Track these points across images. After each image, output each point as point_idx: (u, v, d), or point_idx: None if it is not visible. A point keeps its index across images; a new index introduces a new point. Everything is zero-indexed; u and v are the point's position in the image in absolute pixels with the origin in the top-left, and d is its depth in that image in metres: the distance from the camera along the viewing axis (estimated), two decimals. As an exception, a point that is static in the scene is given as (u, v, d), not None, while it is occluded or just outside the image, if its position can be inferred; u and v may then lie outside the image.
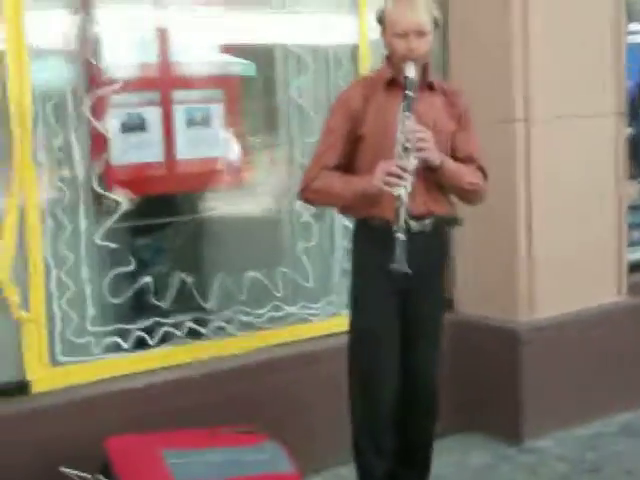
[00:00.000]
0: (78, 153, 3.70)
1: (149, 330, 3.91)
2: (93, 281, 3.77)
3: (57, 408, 3.58)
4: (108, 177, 3.83)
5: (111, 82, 3.82)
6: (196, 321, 4.02)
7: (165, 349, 3.93)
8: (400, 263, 3.13)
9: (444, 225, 3.50)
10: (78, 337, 3.73)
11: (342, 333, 3.57)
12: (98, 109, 3.77)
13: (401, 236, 3.16)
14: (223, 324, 4.09)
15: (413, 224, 3.29)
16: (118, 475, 3.25)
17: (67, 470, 3.25)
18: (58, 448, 3.43)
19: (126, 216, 3.84)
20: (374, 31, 3.58)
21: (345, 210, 3.54)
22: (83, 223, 3.72)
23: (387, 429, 3.50)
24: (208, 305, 4.07)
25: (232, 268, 4.13)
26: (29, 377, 3.60)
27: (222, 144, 4.22)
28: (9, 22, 3.48)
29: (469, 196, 3.53)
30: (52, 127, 3.64)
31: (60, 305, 3.68)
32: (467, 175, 3.46)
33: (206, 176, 4.18)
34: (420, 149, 3.25)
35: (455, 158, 3.46)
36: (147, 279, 3.90)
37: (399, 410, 3.53)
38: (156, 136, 4.02)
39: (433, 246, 3.42)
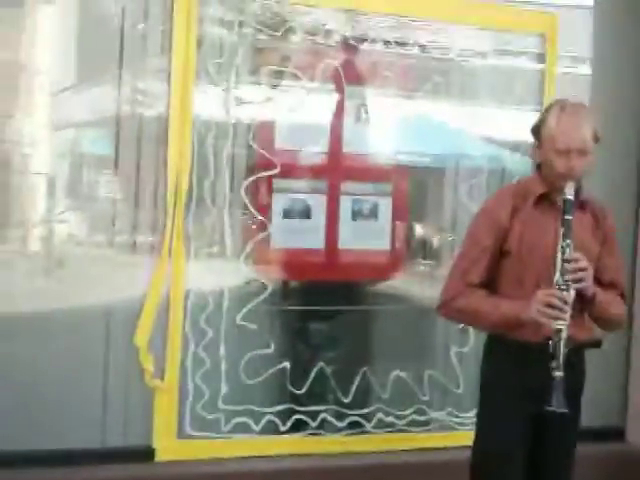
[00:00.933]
0: (229, 233, 3.80)
1: (281, 415, 3.90)
2: (229, 360, 3.82)
3: (177, 478, 3.66)
4: (261, 259, 3.92)
5: (273, 166, 3.91)
6: (332, 413, 3.98)
7: (295, 437, 3.91)
8: (558, 404, 2.95)
9: (584, 351, 3.28)
10: (208, 413, 3.79)
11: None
12: (257, 191, 3.88)
13: (559, 374, 2.98)
14: (361, 420, 4.02)
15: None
16: None
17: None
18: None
19: (271, 299, 3.89)
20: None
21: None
22: (226, 301, 3.80)
23: None
24: (347, 399, 4.00)
25: (377, 364, 4.06)
26: (156, 445, 3.69)
27: (386, 237, 4.18)
28: (175, 94, 3.67)
29: (611, 326, 3.35)
30: (206, 205, 3.77)
31: (194, 379, 3.77)
32: (613, 305, 3.27)
33: (367, 267, 4.16)
34: (579, 280, 3.07)
35: (598, 281, 3.23)
36: (285, 364, 3.91)
37: None
38: (320, 224, 4.07)
39: (572, 373, 3.16)
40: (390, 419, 4.05)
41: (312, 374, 3.95)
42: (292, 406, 3.92)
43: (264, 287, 3.87)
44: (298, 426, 3.93)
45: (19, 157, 3.71)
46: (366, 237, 4.14)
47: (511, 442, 3.18)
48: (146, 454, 3.67)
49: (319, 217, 4.06)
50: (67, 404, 3.59)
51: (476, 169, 4.27)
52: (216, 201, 3.79)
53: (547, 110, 3.24)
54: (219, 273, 3.83)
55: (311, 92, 4.01)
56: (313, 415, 3.94)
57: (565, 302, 3.01)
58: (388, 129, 4.19)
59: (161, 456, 3.69)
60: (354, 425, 4.02)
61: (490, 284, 3.23)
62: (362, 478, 3.85)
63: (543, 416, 3.17)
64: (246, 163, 3.87)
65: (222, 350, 3.80)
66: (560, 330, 2.99)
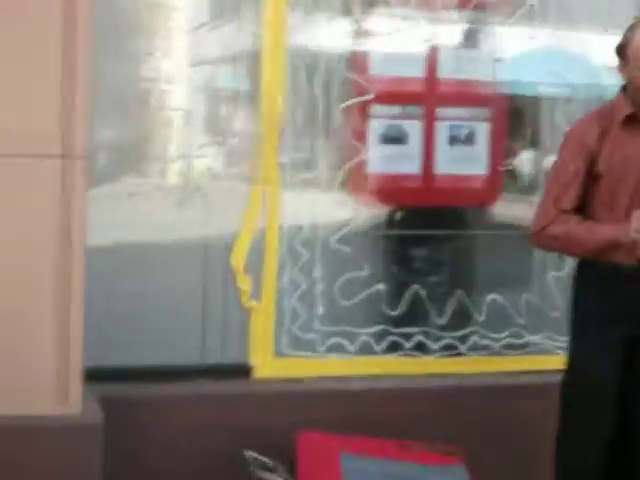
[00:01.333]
0: (324, 158, 3.88)
1: (377, 336, 3.99)
2: (325, 281, 3.92)
3: (273, 396, 3.78)
4: (357, 184, 3.98)
5: (368, 92, 3.94)
6: (427, 335, 4.04)
7: (389, 358, 4.00)
8: None
9: None
10: (305, 333, 3.92)
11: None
12: (352, 118, 3.93)
13: None
14: (456, 342, 4.07)
15: None
16: (297, 468, 3.40)
17: (250, 454, 3.43)
18: (264, 432, 3.59)
19: (365, 224, 3.97)
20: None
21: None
22: (320, 224, 3.90)
23: None
24: (441, 321, 4.06)
25: (473, 288, 4.09)
26: (252, 363, 3.85)
27: (484, 163, 4.16)
28: (269, 24, 3.74)
29: None
30: (299, 130, 3.85)
31: (290, 301, 3.89)
32: None
33: (463, 193, 4.17)
34: None
35: None
36: (380, 286, 3.98)
37: None
38: (416, 150, 4.08)
39: None
40: (486, 342, 4.09)
41: (407, 296, 4.02)
42: (387, 327, 4.00)
43: (358, 212, 3.95)
44: (393, 347, 4.01)
45: (158, 94, 3.87)
46: (462, 163, 4.14)
47: (602, 369, 3.20)
48: (244, 371, 3.83)
49: (416, 143, 4.09)
50: (169, 322, 3.78)
51: (574, 95, 4.21)
52: (313, 127, 3.88)
53: (630, 29, 3.20)
54: (314, 198, 3.91)
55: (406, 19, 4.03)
56: (408, 337, 4.02)
57: None
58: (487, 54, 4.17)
59: (258, 373, 3.85)
60: (449, 348, 4.08)
61: (583, 209, 3.23)
62: (457, 398, 3.91)
63: (636, 341, 3.19)
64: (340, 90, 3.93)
65: (317, 272, 3.91)
66: None
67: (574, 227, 3.20)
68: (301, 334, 3.91)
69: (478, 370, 4.02)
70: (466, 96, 4.14)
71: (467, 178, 4.15)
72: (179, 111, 3.87)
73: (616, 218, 3.17)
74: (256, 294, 3.81)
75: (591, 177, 3.22)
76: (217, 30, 3.95)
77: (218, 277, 3.80)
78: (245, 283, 3.78)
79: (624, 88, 3.27)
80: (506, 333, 4.10)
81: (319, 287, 3.92)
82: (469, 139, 4.13)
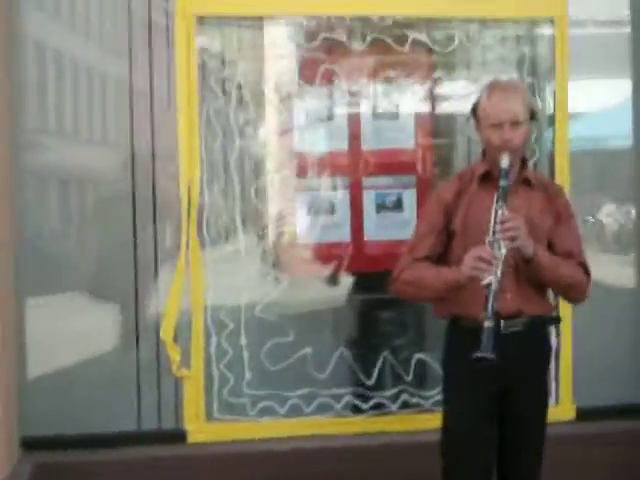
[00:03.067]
0: (241, 231, 4.13)
1: (306, 399, 4.18)
2: (251, 348, 4.15)
3: (208, 459, 4.02)
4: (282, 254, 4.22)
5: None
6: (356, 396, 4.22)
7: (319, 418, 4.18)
8: (485, 350, 3.06)
9: (540, 325, 3.36)
10: (235, 397, 4.14)
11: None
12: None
13: (489, 324, 3.09)
14: (384, 401, 4.22)
15: (502, 324, 3.23)
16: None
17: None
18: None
19: (289, 291, 4.19)
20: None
21: (438, 310, 3.48)
22: (243, 295, 4.14)
23: None
24: (370, 382, 4.22)
25: (398, 348, 4.24)
26: (187, 427, 4.09)
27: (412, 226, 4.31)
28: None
29: (568, 292, 3.42)
30: (218, 207, 4.12)
31: (219, 367, 4.13)
32: (565, 267, 3.32)
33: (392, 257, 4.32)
34: (511, 238, 3.17)
35: (557, 252, 3.33)
36: (307, 350, 4.17)
37: None
38: (343, 218, 4.29)
39: (529, 348, 3.28)
40: (416, 400, 4.23)
41: (333, 359, 4.20)
42: (316, 389, 4.18)
43: (279, 281, 4.19)
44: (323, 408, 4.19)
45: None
46: (390, 229, 4.32)
47: (469, 423, 3.32)
48: (179, 436, 4.07)
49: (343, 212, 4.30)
50: (106, 392, 4.06)
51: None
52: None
53: (482, 90, 3.40)
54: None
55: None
56: (337, 398, 4.20)
57: (495, 257, 3.13)
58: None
59: (192, 438, 4.08)
60: (379, 407, 4.23)
61: (440, 264, 3.38)
62: (386, 456, 4.05)
63: (507, 397, 3.31)
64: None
65: (243, 340, 4.14)
66: (489, 284, 3.10)
67: (422, 271, 3.36)
68: (231, 399, 4.13)
69: (409, 428, 4.15)
70: (392, 165, 4.35)
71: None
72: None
73: None
74: (186, 363, 4.06)
75: (448, 234, 3.39)
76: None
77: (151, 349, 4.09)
78: (175, 353, 4.03)
79: (484, 151, 3.43)
80: (436, 391, 4.20)
81: (246, 354, 4.14)
82: (397, 206, 4.31)
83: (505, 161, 3.24)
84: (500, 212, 3.18)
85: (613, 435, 4.25)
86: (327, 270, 4.27)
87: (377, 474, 4.00)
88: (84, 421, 4.02)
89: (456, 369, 3.37)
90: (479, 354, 3.06)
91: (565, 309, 4.18)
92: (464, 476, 3.34)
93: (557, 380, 4.31)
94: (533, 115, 3.34)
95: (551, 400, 4.27)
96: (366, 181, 4.31)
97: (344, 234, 4.29)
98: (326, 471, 3.97)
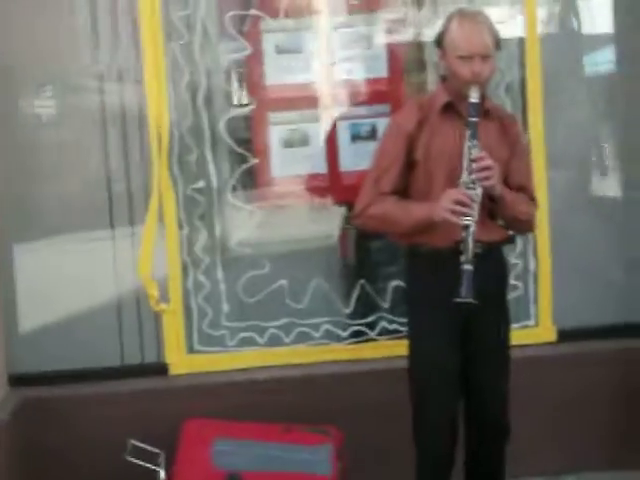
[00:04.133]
0: (212, 168, 4.18)
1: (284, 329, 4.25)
2: (227, 282, 4.23)
3: (190, 390, 4.11)
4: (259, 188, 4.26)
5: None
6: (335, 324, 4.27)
7: (298, 347, 4.25)
8: (467, 295, 3.13)
9: (496, 249, 3.43)
10: (214, 330, 4.23)
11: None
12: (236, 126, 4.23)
13: (469, 267, 3.16)
14: (363, 329, 4.26)
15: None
16: (175, 454, 3.71)
17: (133, 442, 3.75)
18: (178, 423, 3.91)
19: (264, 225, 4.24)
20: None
21: (397, 237, 3.52)
22: (217, 229, 4.21)
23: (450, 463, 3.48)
24: (348, 310, 4.27)
25: (375, 276, 4.28)
26: (168, 361, 4.19)
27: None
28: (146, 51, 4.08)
29: (521, 226, 3.51)
30: (187, 144, 4.17)
31: (197, 301, 4.22)
32: (521, 204, 3.41)
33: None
34: (485, 178, 3.21)
35: (507, 186, 3.36)
36: (283, 282, 4.23)
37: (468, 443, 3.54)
38: (318, 150, 4.30)
39: (488, 272, 3.30)
40: (394, 326, 4.26)
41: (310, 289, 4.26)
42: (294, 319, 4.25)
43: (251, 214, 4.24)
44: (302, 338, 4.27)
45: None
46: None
47: (437, 348, 3.38)
48: (161, 369, 4.19)
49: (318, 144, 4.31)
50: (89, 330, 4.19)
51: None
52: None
53: (448, 19, 3.38)
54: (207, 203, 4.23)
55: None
56: (315, 327, 4.26)
57: (472, 199, 3.17)
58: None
59: (174, 370, 4.19)
60: (358, 334, 4.29)
61: (402, 195, 3.38)
62: (367, 383, 4.10)
63: (470, 320, 3.36)
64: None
65: (219, 273, 4.22)
66: (468, 226, 3.16)
67: (391, 207, 3.37)
68: (211, 331, 4.23)
69: (388, 354, 4.18)
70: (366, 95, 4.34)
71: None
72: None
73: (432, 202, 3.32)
74: (164, 298, 4.16)
75: (409, 164, 3.39)
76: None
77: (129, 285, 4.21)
78: (152, 289, 4.12)
79: (444, 78, 3.42)
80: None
81: (223, 287, 4.23)
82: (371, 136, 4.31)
83: (475, 95, 3.23)
84: (473, 150, 3.20)
85: (595, 355, 4.23)
86: (302, 202, 4.33)
87: (358, 400, 4.04)
88: (68, 358, 4.15)
89: (419, 294, 3.41)
90: (461, 299, 3.13)
91: (542, 225, 4.16)
92: (433, 399, 3.41)
93: (536, 302, 4.31)
94: (498, 45, 3.31)
95: (530, 322, 4.31)
96: (340, 111, 4.32)
97: (319, 166, 4.32)
98: (308, 398, 4.03)
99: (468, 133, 3.22)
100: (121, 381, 4.14)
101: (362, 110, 4.32)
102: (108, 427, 3.98)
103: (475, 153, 3.20)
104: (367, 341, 4.27)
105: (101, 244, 4.19)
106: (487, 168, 3.20)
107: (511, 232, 3.48)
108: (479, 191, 3.20)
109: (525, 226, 3.52)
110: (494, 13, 4.11)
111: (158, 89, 4.07)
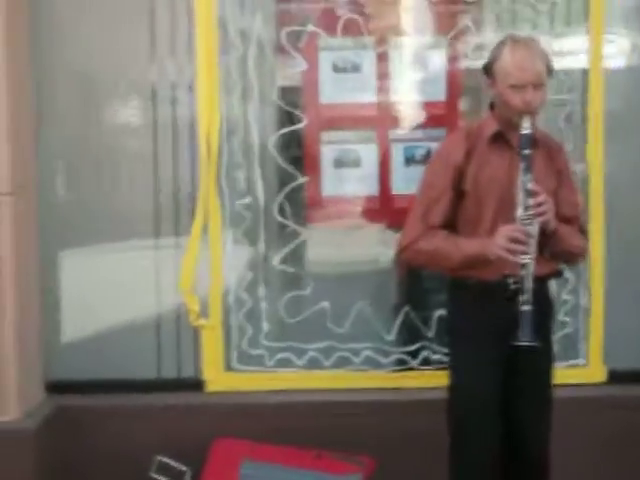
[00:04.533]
0: (260, 184, 4.12)
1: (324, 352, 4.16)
2: (269, 300, 4.16)
3: (225, 408, 4.04)
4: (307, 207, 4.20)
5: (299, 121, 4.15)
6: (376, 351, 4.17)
7: (337, 372, 4.15)
8: (525, 337, 3.05)
9: (546, 284, 3.34)
10: (253, 348, 4.16)
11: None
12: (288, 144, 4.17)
13: (528, 308, 3.06)
14: (405, 357, 4.15)
15: (512, 286, 3.16)
16: (202, 472, 3.64)
17: (160, 459, 3.69)
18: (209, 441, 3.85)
19: (308, 244, 4.17)
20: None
21: (443, 271, 3.43)
22: (262, 247, 4.13)
23: None
24: (390, 337, 4.16)
25: (420, 304, 4.17)
26: (205, 377, 4.13)
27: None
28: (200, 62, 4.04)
29: (573, 259, 3.45)
30: (236, 160, 4.12)
31: (237, 318, 4.15)
32: (574, 238, 3.31)
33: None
34: (541, 214, 3.11)
35: (558, 217, 3.23)
36: (325, 304, 4.14)
37: None
38: (371, 171, 4.21)
39: (538, 308, 3.17)
40: (438, 357, 4.13)
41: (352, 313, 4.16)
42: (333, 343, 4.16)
43: (297, 233, 4.16)
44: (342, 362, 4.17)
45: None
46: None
47: (481, 385, 3.27)
48: (198, 385, 4.12)
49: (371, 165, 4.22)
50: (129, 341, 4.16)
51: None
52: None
53: (498, 46, 3.27)
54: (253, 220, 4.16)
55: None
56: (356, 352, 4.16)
57: (530, 236, 3.07)
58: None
59: (211, 387, 4.13)
60: (400, 362, 4.18)
61: (450, 227, 3.29)
62: (406, 412, 3.99)
63: (514, 356, 3.24)
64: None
65: (261, 291, 4.15)
66: (526, 265, 3.06)
67: (441, 242, 3.27)
68: (250, 350, 4.16)
69: (430, 384, 4.05)
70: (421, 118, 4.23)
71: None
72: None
73: (480, 236, 3.23)
74: (205, 313, 4.10)
75: (457, 195, 3.29)
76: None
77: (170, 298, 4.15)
78: (193, 303, 4.06)
79: (492, 107, 3.32)
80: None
81: (264, 305, 4.15)
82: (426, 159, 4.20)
83: (528, 126, 3.14)
84: (529, 185, 3.09)
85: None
86: (351, 224, 4.23)
87: (395, 430, 3.94)
88: (106, 368, 4.12)
89: (462, 325, 3.30)
90: (520, 342, 3.03)
91: (597, 260, 4.05)
92: (472, 435, 3.29)
93: (587, 340, 4.15)
94: (550, 73, 3.22)
95: (580, 361, 4.15)
96: (395, 133, 4.22)
97: (371, 188, 4.22)
98: (344, 425, 3.93)
99: (521, 166, 3.11)
100: (156, 395, 4.09)
101: (418, 133, 4.22)
102: (138, 440, 3.94)
103: (530, 187, 3.09)
104: (409, 370, 4.16)
105: (145, 254, 4.16)
106: (543, 203, 3.11)
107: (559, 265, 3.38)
108: (536, 227, 3.09)
109: (576, 260, 3.47)
110: (558, 43, 4.11)
111: (210, 101, 4.04)
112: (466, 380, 3.30)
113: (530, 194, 3.08)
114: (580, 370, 4.13)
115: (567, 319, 4.13)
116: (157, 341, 4.16)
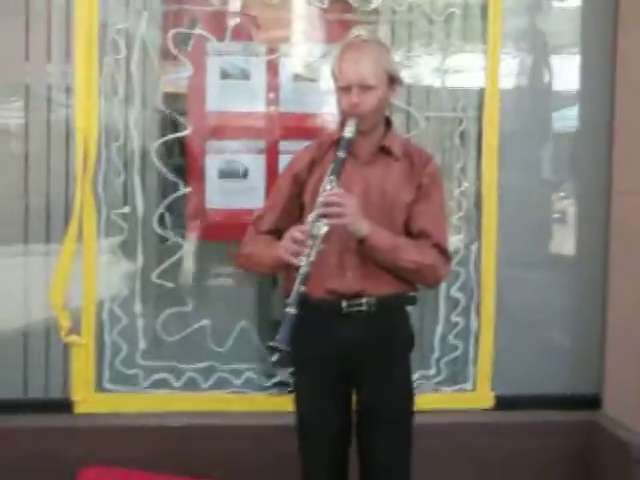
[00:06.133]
0: (140, 194, 3.89)
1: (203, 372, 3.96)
2: (146, 316, 3.93)
3: (96, 431, 3.81)
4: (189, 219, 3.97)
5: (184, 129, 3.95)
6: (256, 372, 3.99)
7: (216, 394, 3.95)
8: (280, 340, 2.80)
9: (392, 305, 3.10)
10: (127, 368, 3.92)
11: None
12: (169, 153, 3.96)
13: (290, 311, 2.85)
14: (288, 379, 3.96)
15: (344, 304, 3.01)
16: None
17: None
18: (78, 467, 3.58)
19: (189, 257, 3.95)
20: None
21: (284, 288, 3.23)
22: (140, 260, 3.91)
23: None
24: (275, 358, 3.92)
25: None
26: (74, 397, 3.87)
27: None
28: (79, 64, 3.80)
29: (411, 276, 3.11)
30: (115, 166, 3.88)
31: (111, 335, 3.91)
32: (407, 251, 3.04)
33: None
34: (333, 215, 2.91)
35: (408, 233, 3.09)
36: (206, 321, 3.94)
37: None
38: (258, 184, 4.03)
39: (377, 330, 3.04)
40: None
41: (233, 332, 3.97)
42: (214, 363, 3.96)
43: (178, 246, 3.94)
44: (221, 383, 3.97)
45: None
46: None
47: (315, 410, 3.11)
48: (66, 406, 3.86)
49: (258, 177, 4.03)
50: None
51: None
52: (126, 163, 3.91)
53: (337, 49, 3.15)
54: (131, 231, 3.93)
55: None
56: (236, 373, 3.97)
57: (312, 237, 2.88)
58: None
59: (80, 409, 3.87)
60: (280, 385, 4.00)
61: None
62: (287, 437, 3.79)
63: (353, 380, 3.09)
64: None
65: (138, 307, 3.92)
66: (300, 267, 2.87)
67: (260, 245, 3.15)
68: (124, 369, 3.92)
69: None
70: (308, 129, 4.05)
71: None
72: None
73: None
74: (76, 329, 3.85)
75: (300, 206, 3.16)
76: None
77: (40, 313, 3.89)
78: (64, 318, 3.81)
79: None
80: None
81: (140, 322, 3.92)
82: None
83: (350, 129, 3.00)
84: (329, 187, 2.93)
85: (534, 426, 3.97)
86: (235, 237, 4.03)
87: (276, 455, 3.74)
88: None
89: (297, 350, 3.01)
90: (272, 343, 2.81)
91: (488, 283, 3.98)
92: (313, 464, 3.14)
93: (475, 364, 4.04)
94: (392, 79, 3.08)
95: (468, 386, 4.04)
96: (283, 144, 4.04)
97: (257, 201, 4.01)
98: (223, 449, 3.78)
99: (330, 167, 2.97)
100: (21, 416, 3.82)
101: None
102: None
103: (328, 187, 2.93)
104: (291, 392, 3.95)
105: (12, 261, 3.90)
106: (337, 203, 2.91)
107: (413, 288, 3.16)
108: (323, 229, 2.89)
109: (418, 277, 3.10)
110: (455, 60, 4.03)
111: (88, 103, 3.81)
112: (303, 409, 3.16)
113: (325, 195, 2.93)
114: (467, 395, 4.04)
115: (456, 342, 4.04)
116: (24, 356, 3.88)
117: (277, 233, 3.12)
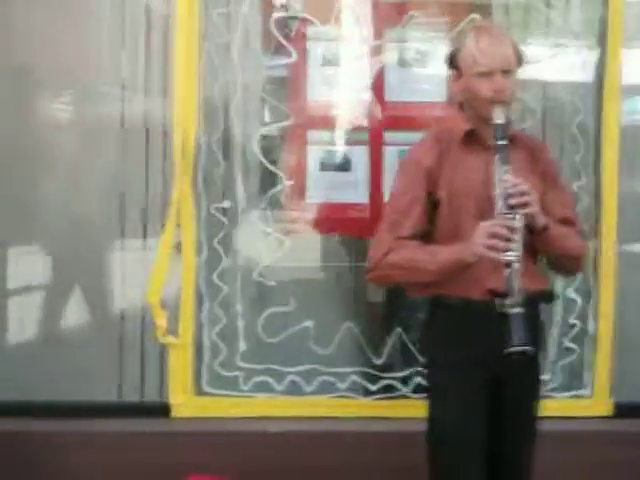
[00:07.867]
0: (241, 187, 3.72)
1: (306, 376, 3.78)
2: (247, 316, 3.77)
3: (193, 436, 3.64)
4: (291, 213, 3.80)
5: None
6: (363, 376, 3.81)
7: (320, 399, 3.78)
8: (519, 342, 2.65)
9: (538, 303, 2.97)
10: (226, 370, 3.76)
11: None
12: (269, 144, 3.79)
13: (518, 311, 2.68)
14: (395, 383, 3.79)
15: (497, 302, 2.78)
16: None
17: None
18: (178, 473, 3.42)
19: (291, 254, 3.77)
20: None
21: (419, 289, 3.02)
22: (241, 257, 3.75)
23: None
24: (379, 361, 3.79)
25: (413, 326, 3.77)
26: (172, 401, 3.72)
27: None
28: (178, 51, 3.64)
29: (573, 264, 3.06)
30: (215, 158, 3.72)
31: (210, 336, 3.75)
32: (571, 238, 2.96)
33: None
34: (525, 204, 2.75)
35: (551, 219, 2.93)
36: (309, 322, 3.76)
37: None
38: (360, 177, 3.83)
39: (530, 328, 2.79)
40: (428, 383, 3.76)
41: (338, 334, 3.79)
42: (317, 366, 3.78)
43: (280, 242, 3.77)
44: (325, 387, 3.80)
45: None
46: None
47: (462, 416, 2.90)
48: (163, 410, 3.71)
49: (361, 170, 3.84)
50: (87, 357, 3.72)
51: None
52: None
53: (458, 37, 3.05)
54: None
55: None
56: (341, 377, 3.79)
57: (513, 230, 2.71)
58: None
59: (177, 413, 3.72)
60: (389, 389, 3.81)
61: (424, 240, 2.95)
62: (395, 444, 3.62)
63: (498, 385, 2.91)
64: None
65: (238, 306, 3.75)
66: (511, 263, 2.69)
67: (414, 251, 2.91)
68: (223, 371, 3.76)
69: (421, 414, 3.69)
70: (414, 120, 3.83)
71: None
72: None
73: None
74: (174, 329, 3.69)
75: (432, 203, 2.95)
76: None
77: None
78: (161, 318, 3.66)
79: (461, 105, 3.02)
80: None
81: (241, 322, 3.76)
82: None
83: (500, 115, 2.83)
84: (506, 175, 2.76)
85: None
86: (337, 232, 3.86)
87: (383, 463, 3.58)
88: (55, 389, 3.67)
89: (442, 353, 2.91)
90: (514, 348, 2.65)
91: (608, 284, 3.77)
92: (454, 473, 2.94)
93: (592, 369, 3.83)
94: (520, 60, 2.93)
95: (585, 392, 3.83)
96: (387, 136, 3.84)
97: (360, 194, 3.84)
98: (326, 458, 3.58)
99: (497, 158, 2.79)
100: (115, 420, 3.67)
101: (415, 136, 3.85)
102: (93, 474, 3.52)
103: (509, 177, 2.75)
104: (398, 398, 3.80)
105: (107, 260, 3.77)
106: (525, 192, 2.76)
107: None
108: (520, 220, 2.73)
109: (577, 265, 3.06)
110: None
111: (188, 93, 3.65)
112: (447, 416, 2.93)
113: (510, 185, 2.74)
114: (585, 401, 3.84)
115: (573, 345, 3.84)
116: (119, 358, 3.74)
117: (418, 239, 2.92)
